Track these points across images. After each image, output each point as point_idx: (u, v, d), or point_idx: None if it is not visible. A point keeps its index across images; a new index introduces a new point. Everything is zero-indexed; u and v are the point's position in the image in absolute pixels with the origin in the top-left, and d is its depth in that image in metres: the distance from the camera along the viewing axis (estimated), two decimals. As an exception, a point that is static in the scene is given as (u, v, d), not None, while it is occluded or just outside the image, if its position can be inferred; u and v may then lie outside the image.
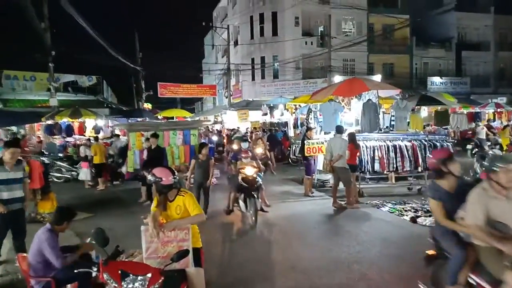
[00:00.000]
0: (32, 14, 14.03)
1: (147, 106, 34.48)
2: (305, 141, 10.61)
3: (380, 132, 11.50)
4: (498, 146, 14.62)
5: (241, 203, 7.82)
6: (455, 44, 33.06)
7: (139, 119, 20.33)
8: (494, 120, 22.83)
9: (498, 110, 22.88)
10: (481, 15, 32.52)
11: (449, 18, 30.15)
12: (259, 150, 10.36)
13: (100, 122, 19.10)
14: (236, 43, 33.28)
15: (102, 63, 24.01)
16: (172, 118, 26.60)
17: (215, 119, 31.52)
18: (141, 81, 29.15)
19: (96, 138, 13.56)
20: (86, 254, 4.36)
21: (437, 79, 31.34)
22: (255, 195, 7.54)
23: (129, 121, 20.02)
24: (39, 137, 17.49)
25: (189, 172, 8.32)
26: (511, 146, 14.59)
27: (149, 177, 3.85)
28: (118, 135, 14.74)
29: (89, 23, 15.42)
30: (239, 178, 7.71)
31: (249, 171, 7.70)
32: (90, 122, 18.63)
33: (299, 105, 18.93)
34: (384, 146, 10.31)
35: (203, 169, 8.04)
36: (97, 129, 18.71)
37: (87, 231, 6.62)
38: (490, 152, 11.63)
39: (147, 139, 9.83)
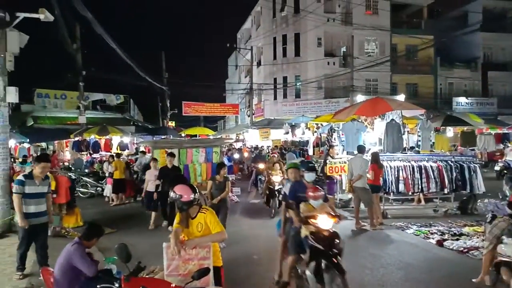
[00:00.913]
0: (65, 36, 14.68)
1: (171, 124, 35.12)
2: (327, 160, 10.56)
3: (404, 152, 11.30)
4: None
5: (308, 274, 4.58)
6: (480, 64, 32.42)
7: (163, 137, 20.68)
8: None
9: (528, 131, 22.12)
10: (508, 35, 31.84)
11: (474, 39, 29.69)
12: (276, 179, 10.18)
13: (126, 139, 19.52)
14: (259, 64, 33.74)
15: (129, 83, 24.77)
16: (195, 135, 26.95)
17: (237, 137, 31.74)
18: (166, 100, 29.80)
19: (118, 155, 13.87)
20: (107, 269, 4.41)
21: (462, 100, 30.68)
22: (337, 262, 4.46)
23: (154, 138, 20.38)
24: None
25: (207, 192, 8.12)
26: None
27: (171, 194, 3.90)
28: (143, 152, 15.04)
29: (118, 44, 15.99)
30: (306, 233, 4.64)
31: (324, 222, 4.71)
32: (116, 139, 19.07)
33: (321, 124, 18.86)
34: (409, 166, 10.11)
35: (220, 191, 7.89)
36: (122, 146, 19.12)
37: (109, 247, 6.73)
38: (520, 174, 11.22)
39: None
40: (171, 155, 9.45)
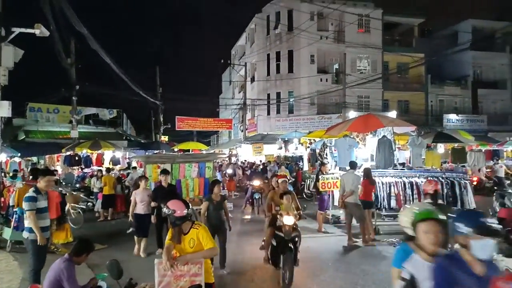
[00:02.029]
0: (59, 50, 14.71)
1: (164, 138, 35.05)
2: (320, 176, 10.60)
3: (395, 168, 11.39)
4: (518, 185, 14.26)
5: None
6: (471, 82, 33.03)
7: (156, 151, 20.61)
8: (513, 158, 22.38)
9: (517, 148, 22.45)
10: (497, 54, 32.62)
11: (464, 57, 30.31)
12: (289, 220, 6.20)
13: (118, 154, 19.43)
14: (252, 80, 34.04)
15: (123, 97, 24.78)
16: (188, 150, 26.92)
17: (230, 152, 31.74)
18: (160, 114, 29.82)
19: (108, 170, 13.77)
20: (98, 286, 4.37)
21: (453, 116, 31.13)
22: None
23: (147, 153, 20.32)
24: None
25: (201, 217, 6.98)
26: (532, 185, 14.23)
27: (164, 209, 3.90)
28: (135, 167, 14.97)
29: (113, 59, 16.06)
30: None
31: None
32: (108, 154, 18.98)
33: (314, 140, 18.97)
34: (401, 182, 10.18)
35: (218, 212, 6.92)
36: (115, 161, 19.01)
37: (99, 263, 6.66)
38: (510, 190, 11.36)
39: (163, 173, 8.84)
40: (165, 172, 8.62)
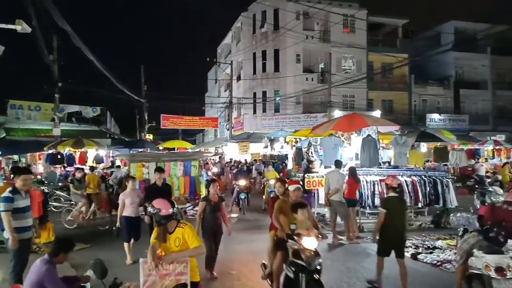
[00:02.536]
0: (41, 47, 14.43)
1: (149, 137, 34.74)
2: (306, 175, 10.69)
3: (380, 167, 11.54)
4: (498, 183, 14.60)
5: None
6: (453, 83, 33.67)
7: (140, 150, 20.40)
8: (493, 157, 22.90)
9: (497, 147, 22.99)
10: (479, 55, 33.32)
11: (447, 58, 30.86)
12: (310, 243, 4.73)
13: (102, 152, 19.18)
14: (238, 78, 34.00)
15: (107, 95, 24.44)
16: (174, 149, 26.72)
17: (216, 151, 31.66)
18: (144, 112, 29.52)
19: (92, 168, 13.51)
20: (82, 286, 4.31)
21: (436, 116, 31.70)
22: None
23: (131, 151, 20.10)
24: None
25: (197, 218, 6.48)
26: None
27: (149, 208, 3.88)
28: (119, 166, 14.78)
29: (97, 56, 15.82)
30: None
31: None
32: (91, 152, 18.71)
33: (299, 139, 19.06)
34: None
35: (215, 213, 6.46)
36: (98, 159, 18.76)
37: (83, 262, 6.57)
38: (490, 188, 11.62)
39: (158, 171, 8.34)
40: (160, 170, 8.26)
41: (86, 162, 18.08)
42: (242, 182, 13.01)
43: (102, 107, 27.15)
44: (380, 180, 8.62)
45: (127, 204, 7.51)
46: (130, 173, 10.21)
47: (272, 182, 10.20)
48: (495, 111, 34.41)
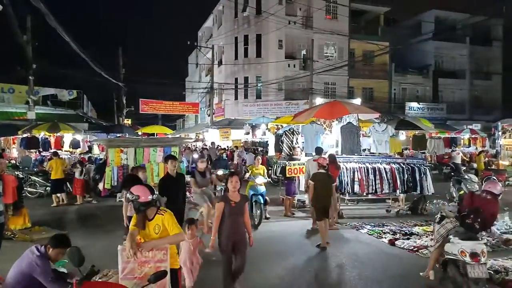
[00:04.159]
0: (14, 26, 13.85)
1: (127, 122, 34.08)
2: (287, 162, 10.70)
3: (360, 154, 11.67)
4: (473, 171, 15.02)
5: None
6: (432, 72, 34.23)
7: (118, 135, 20.05)
8: (469, 145, 23.53)
9: (473, 136, 23.61)
10: (457, 44, 33.90)
11: (427, 47, 31.28)
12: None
13: (78, 137, 18.76)
14: (220, 63, 33.60)
15: (83, 78, 23.78)
16: (153, 134, 26.35)
17: (197, 137, 31.39)
18: (122, 96, 28.88)
19: (55, 153, 13.15)
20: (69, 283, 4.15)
21: (414, 105, 32.25)
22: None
23: (109, 136, 19.71)
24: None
25: (214, 223, 5.10)
26: (487, 171, 15.00)
27: (127, 195, 3.79)
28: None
29: (73, 37, 15.27)
30: None
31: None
32: (68, 137, 18.26)
33: (281, 125, 19.05)
34: (364, 168, 10.45)
35: (237, 218, 4.91)
36: (75, 144, 18.34)
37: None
38: (466, 176, 11.95)
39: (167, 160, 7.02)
40: (173, 158, 7.01)
41: (62, 146, 17.67)
42: (220, 172, 11.44)
43: (78, 90, 26.46)
44: (314, 160, 8.98)
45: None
46: (108, 158, 9.98)
47: (258, 181, 9.00)
48: (472, 100, 35.22)
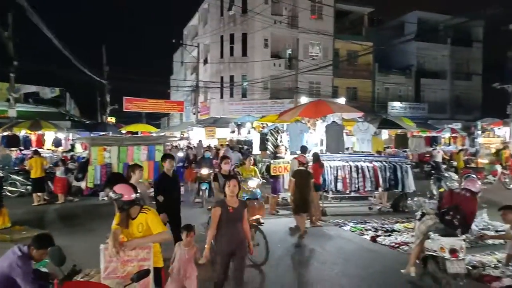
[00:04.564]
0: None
1: (111, 120, 33.64)
2: (272, 160, 10.77)
3: (343, 153, 11.81)
4: (453, 169, 15.35)
5: None
6: (414, 72, 34.76)
7: (102, 133, 19.81)
8: (449, 144, 24.01)
9: (453, 135, 24.12)
10: (439, 45, 34.52)
11: (409, 47, 31.77)
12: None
13: (61, 135, 18.46)
14: (205, 61, 33.45)
15: (66, 75, 23.38)
16: (137, 132, 26.08)
17: (182, 135, 31.20)
18: (106, 94, 28.51)
19: (36, 152, 12.94)
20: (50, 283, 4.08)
21: (397, 104, 32.73)
22: None
23: (91, 135, 19.46)
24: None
25: (209, 231, 4.59)
26: (466, 169, 15.33)
27: (110, 194, 3.76)
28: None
29: (56, 35, 15.03)
30: None
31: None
32: (50, 135, 17.95)
33: (266, 124, 19.11)
34: (347, 166, 10.58)
35: (235, 225, 4.50)
36: (57, 142, 18.05)
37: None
38: (446, 174, 12.22)
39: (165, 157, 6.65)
40: (171, 157, 6.67)
41: (44, 145, 17.37)
42: (205, 171, 11.33)
43: (61, 88, 26.01)
44: (294, 158, 9.18)
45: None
46: (90, 157, 9.87)
47: (251, 185, 7.38)
48: (452, 100, 35.91)
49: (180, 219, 6.51)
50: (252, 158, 9.41)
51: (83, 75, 22.49)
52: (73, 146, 19.06)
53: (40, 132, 17.04)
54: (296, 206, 8.01)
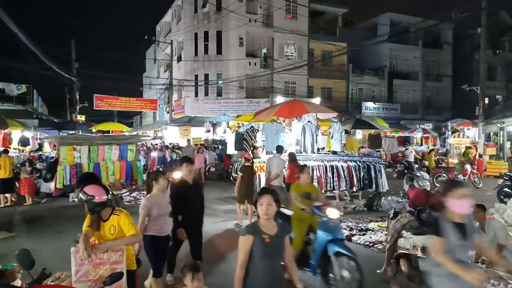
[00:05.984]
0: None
1: (81, 118, 32.72)
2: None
3: (319, 153, 11.92)
4: (425, 169, 15.73)
5: None
6: (387, 73, 35.56)
7: (71, 132, 19.24)
8: (421, 144, 24.70)
9: (425, 135, 24.82)
10: (411, 47, 35.43)
11: (382, 48, 32.44)
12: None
13: (28, 134, 17.80)
14: (179, 59, 33.04)
15: (33, 72, 22.54)
16: (108, 132, 25.48)
17: (155, 134, 30.72)
18: (75, 92, 27.66)
19: (5, 151, 12.45)
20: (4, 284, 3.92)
21: (370, 104, 33.38)
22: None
23: (60, 133, 18.87)
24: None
25: (238, 269, 3.25)
26: (437, 169, 15.76)
27: (80, 195, 3.62)
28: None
29: (22, 29, 14.40)
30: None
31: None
32: (16, 134, 17.27)
33: (242, 124, 19.07)
34: (322, 166, 10.67)
35: (274, 261, 3.19)
36: (24, 141, 17.39)
37: (7, 253, 6.06)
38: (418, 173, 12.50)
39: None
40: (189, 160, 5.68)
41: (10, 144, 16.70)
42: (178, 175, 10.84)
43: (28, 84, 25.09)
44: (241, 155, 10.22)
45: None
46: (59, 157, 9.52)
47: (332, 216, 5.20)
48: (424, 101, 36.95)
49: (201, 234, 5.65)
50: (308, 170, 6.34)
51: (51, 71, 21.72)
52: (41, 145, 18.43)
53: (6, 130, 16.37)
54: (241, 197, 9.13)
